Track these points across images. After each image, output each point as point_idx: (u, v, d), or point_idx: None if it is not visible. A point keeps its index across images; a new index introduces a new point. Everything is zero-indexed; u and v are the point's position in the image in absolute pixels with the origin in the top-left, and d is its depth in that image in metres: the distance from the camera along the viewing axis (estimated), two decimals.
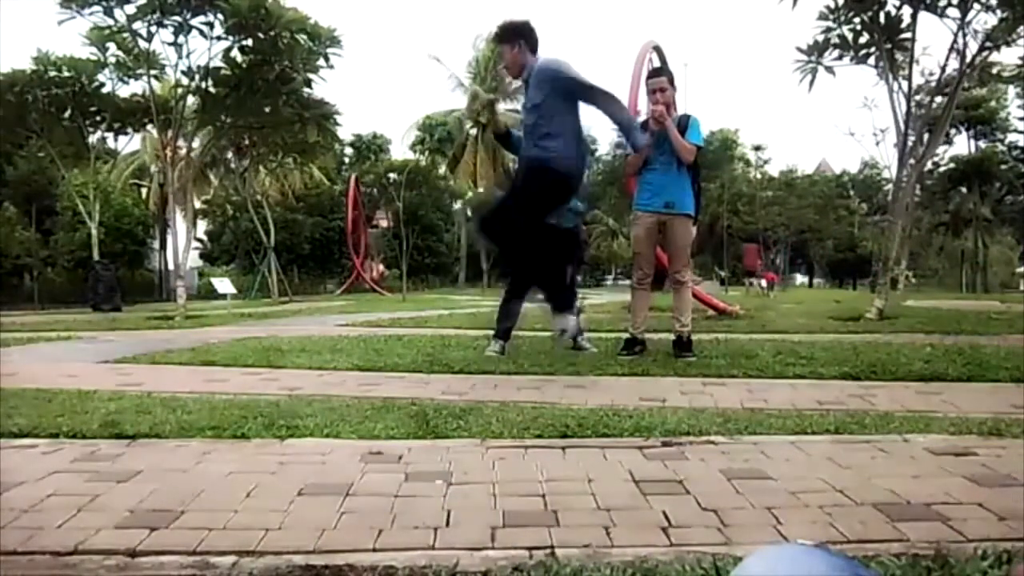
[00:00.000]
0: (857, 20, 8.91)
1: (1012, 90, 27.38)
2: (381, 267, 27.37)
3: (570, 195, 4.83)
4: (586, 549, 1.60)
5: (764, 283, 28.39)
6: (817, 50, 9.24)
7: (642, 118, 6.40)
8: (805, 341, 5.73)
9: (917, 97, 10.52)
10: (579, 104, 4.53)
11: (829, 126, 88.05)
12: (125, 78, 15.05)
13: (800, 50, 9.34)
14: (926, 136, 9.98)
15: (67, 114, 15.90)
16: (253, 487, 2.05)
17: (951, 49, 8.71)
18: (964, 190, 31.71)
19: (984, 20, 8.59)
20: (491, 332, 5.36)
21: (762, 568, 0.65)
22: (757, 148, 42.90)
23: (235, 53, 12.55)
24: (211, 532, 1.71)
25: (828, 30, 9.06)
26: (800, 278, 29.30)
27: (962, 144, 31.96)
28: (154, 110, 13.12)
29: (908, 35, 8.71)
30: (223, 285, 15.55)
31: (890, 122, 9.39)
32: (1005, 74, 11.46)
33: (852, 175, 42.12)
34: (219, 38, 12.20)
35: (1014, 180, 31.14)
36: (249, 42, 12.37)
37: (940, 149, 25.95)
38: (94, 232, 16.72)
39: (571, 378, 4.09)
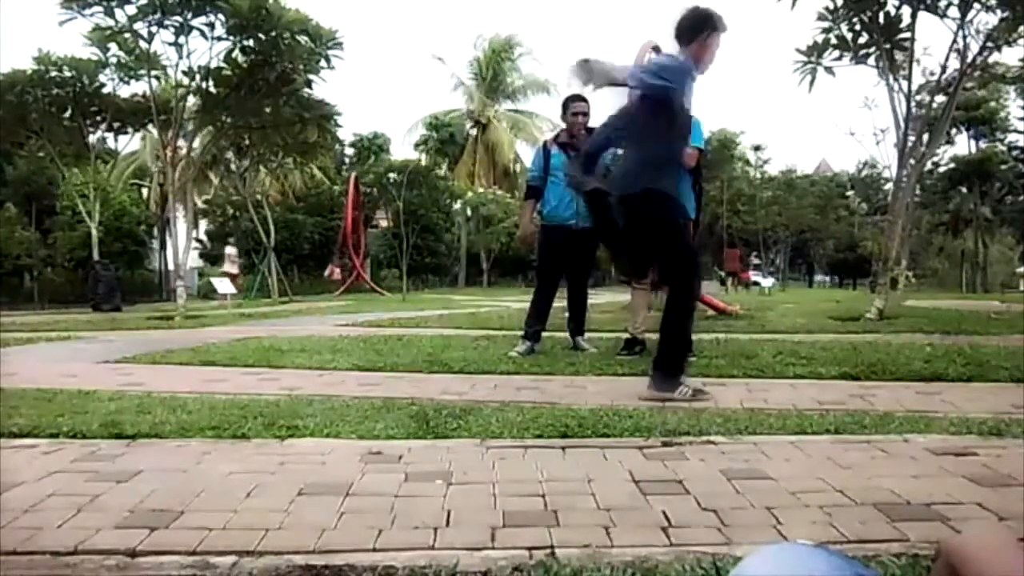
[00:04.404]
0: (856, 20, 8.90)
1: (1012, 90, 27.36)
2: (337, 269, 27.46)
3: None
4: (586, 549, 1.60)
5: (769, 283, 28.77)
6: (817, 50, 9.22)
7: None
8: (805, 341, 5.72)
9: (917, 97, 10.52)
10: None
11: (829, 126, 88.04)
12: (126, 78, 15.04)
13: (800, 51, 9.33)
14: (926, 136, 9.97)
15: (67, 114, 15.88)
16: (253, 487, 2.05)
17: (951, 49, 8.71)
18: (964, 190, 31.67)
19: (984, 20, 8.60)
20: (491, 332, 5.35)
21: (762, 568, 0.65)
22: (757, 148, 42.87)
23: (236, 53, 12.54)
24: (211, 532, 1.71)
25: (827, 30, 9.05)
26: (767, 280, 29.32)
27: (962, 144, 31.98)
28: (155, 110, 13.10)
29: (908, 35, 8.70)
30: (223, 285, 15.54)
31: (890, 122, 9.38)
32: (1009, 75, 11.44)
33: (851, 175, 42.10)
34: (220, 38, 12.20)
35: (1014, 180, 31.08)
36: (250, 42, 12.36)
37: (940, 149, 25.91)
38: (94, 232, 16.72)
39: (571, 378, 4.09)
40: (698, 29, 3.74)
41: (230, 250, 20.70)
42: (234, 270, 20.61)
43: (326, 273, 27.07)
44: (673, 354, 3.52)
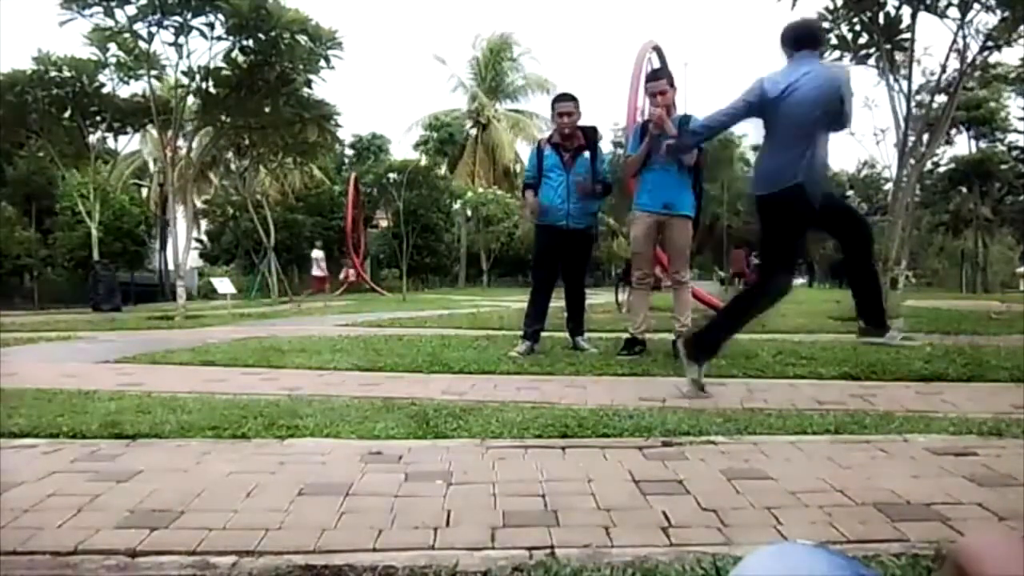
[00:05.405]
0: (856, 20, 8.90)
1: (1012, 90, 27.34)
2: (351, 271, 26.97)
3: None
4: (586, 549, 1.60)
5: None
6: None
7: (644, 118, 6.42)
8: (805, 341, 5.72)
9: (917, 97, 10.51)
10: None
11: None
12: (126, 78, 15.03)
13: None
14: (926, 136, 9.97)
15: (67, 114, 15.86)
16: (253, 487, 2.05)
17: (951, 49, 8.71)
18: (964, 190, 31.69)
19: (984, 20, 8.60)
20: (491, 332, 5.35)
21: (761, 568, 0.65)
22: (757, 148, 42.91)
23: (235, 54, 12.54)
24: (211, 532, 1.71)
25: (828, 30, 9.04)
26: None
27: (962, 144, 31.98)
28: (154, 110, 13.09)
29: (908, 35, 8.70)
30: (223, 285, 15.51)
31: (890, 122, 9.37)
32: (1011, 75, 11.41)
33: (851, 175, 42.11)
34: (219, 38, 12.19)
35: (1014, 180, 31.08)
36: (250, 43, 12.36)
37: (940, 149, 25.90)
38: (94, 232, 16.71)
39: (571, 378, 4.09)
40: (807, 43, 3.88)
41: (317, 253, 20.85)
42: (323, 273, 20.77)
43: (340, 276, 26.73)
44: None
